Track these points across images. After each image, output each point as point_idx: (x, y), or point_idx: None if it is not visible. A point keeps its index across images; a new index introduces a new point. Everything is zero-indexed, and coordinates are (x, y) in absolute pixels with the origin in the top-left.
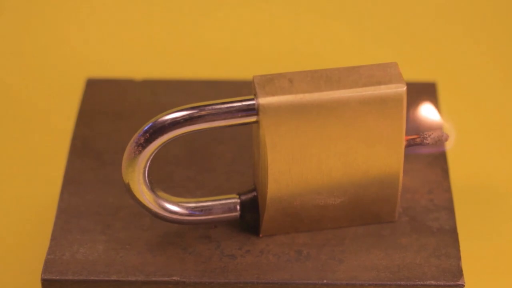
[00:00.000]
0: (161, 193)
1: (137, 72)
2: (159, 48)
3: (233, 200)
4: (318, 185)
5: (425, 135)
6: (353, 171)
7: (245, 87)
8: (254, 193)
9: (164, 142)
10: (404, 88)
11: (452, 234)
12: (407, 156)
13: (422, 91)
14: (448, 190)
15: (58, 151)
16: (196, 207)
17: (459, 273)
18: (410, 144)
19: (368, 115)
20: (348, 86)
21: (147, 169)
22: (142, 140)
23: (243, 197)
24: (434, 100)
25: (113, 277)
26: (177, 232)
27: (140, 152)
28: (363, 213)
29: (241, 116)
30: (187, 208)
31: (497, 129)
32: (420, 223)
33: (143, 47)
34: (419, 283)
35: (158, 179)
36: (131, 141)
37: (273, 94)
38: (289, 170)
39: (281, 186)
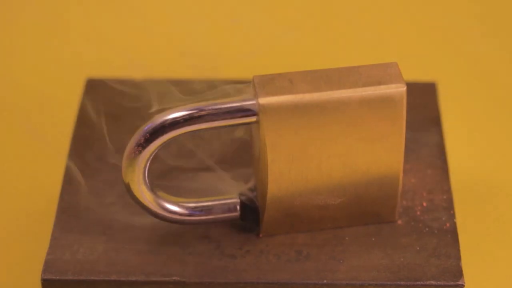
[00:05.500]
0: (161, 193)
1: (137, 72)
2: (159, 48)
3: (233, 200)
4: (318, 185)
5: None
6: (353, 171)
7: (245, 87)
8: (254, 193)
9: (164, 142)
10: (404, 88)
11: (452, 234)
12: (407, 156)
13: (422, 91)
14: (448, 190)
15: (58, 151)
16: (196, 207)
17: (459, 273)
18: None
19: (368, 115)
20: (348, 86)
21: (147, 169)
22: (142, 140)
23: (243, 197)
24: (434, 100)
25: (113, 277)
26: (177, 232)
27: (140, 152)
28: (363, 213)
29: (241, 116)
30: (187, 208)
31: (497, 129)
32: (420, 223)
33: (143, 47)
34: (419, 283)
35: (158, 180)
36: (131, 141)
37: (273, 94)
38: (289, 170)
39: (281, 186)
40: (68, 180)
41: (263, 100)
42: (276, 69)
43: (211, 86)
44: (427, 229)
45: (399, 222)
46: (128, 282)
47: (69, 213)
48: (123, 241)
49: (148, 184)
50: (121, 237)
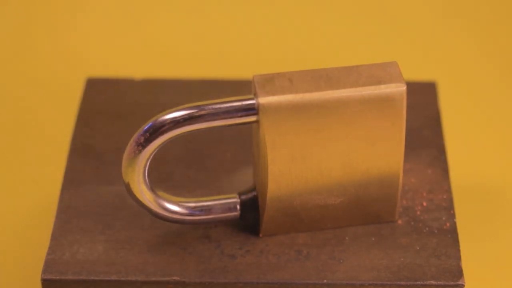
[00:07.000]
0: (161, 193)
1: (137, 72)
2: (159, 48)
3: (233, 200)
4: (318, 185)
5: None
6: (353, 171)
7: (245, 87)
8: (254, 193)
9: (164, 141)
10: (404, 87)
11: (452, 234)
12: (407, 156)
13: (422, 91)
14: (448, 190)
15: (58, 151)
16: (196, 207)
17: (459, 273)
18: None
19: (368, 114)
20: (348, 86)
21: (147, 169)
22: (142, 140)
23: (243, 197)
24: (434, 100)
25: (113, 277)
26: (177, 232)
27: (140, 152)
28: (363, 213)
29: (241, 116)
30: (187, 208)
31: (497, 129)
32: (420, 223)
33: (143, 47)
34: (419, 283)
35: (158, 179)
36: (131, 141)
37: (273, 94)
38: (289, 170)
39: (281, 186)
40: (68, 180)
41: (263, 100)
42: (276, 69)
43: (211, 86)
44: (427, 229)
45: (399, 222)
46: (128, 282)
47: (69, 213)
48: (123, 241)
49: (148, 184)
50: (121, 237)
